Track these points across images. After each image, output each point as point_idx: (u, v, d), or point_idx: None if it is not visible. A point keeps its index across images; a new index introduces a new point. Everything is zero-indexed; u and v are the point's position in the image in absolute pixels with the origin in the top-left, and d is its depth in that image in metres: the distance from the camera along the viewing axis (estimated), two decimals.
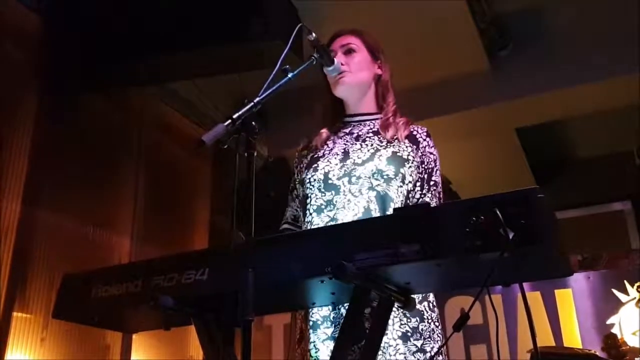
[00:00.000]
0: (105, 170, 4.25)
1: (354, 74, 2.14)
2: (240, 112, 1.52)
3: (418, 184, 2.04)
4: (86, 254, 3.91)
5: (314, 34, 1.90)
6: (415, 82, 4.95)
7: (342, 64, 2.11)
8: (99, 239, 4.10)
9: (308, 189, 2.05)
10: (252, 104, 1.56)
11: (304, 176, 2.09)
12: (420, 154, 2.07)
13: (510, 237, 1.23)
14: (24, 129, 3.66)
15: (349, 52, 2.17)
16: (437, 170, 2.10)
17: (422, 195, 2.04)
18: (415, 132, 2.12)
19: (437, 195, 2.07)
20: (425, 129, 2.15)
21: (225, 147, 1.49)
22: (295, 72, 1.75)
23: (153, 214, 4.59)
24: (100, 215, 4.16)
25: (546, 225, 1.26)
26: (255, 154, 1.51)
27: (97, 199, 4.11)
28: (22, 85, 3.75)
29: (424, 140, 2.11)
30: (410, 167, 2.03)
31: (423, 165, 2.06)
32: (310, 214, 2.01)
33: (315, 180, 2.04)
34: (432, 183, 2.06)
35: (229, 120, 1.50)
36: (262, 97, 1.62)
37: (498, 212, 1.24)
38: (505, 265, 1.26)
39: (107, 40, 3.91)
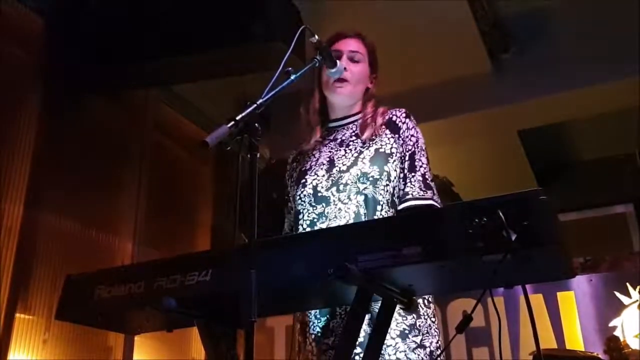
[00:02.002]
0: (107, 172, 4.25)
1: (353, 86, 2.12)
2: (243, 114, 1.52)
3: (402, 174, 2.01)
4: (88, 256, 3.91)
5: (316, 36, 1.90)
6: (418, 84, 4.95)
7: (344, 69, 2.09)
8: (101, 241, 4.10)
9: (299, 205, 2.05)
10: (255, 105, 1.57)
11: (294, 192, 2.09)
12: (401, 141, 2.04)
13: (513, 238, 1.23)
14: (26, 131, 3.66)
15: (354, 60, 2.15)
16: (419, 151, 2.03)
17: (404, 186, 1.99)
18: (394, 117, 2.09)
19: (420, 178, 1.98)
20: (403, 110, 2.11)
21: (228, 148, 1.49)
22: (298, 74, 1.75)
23: (155, 216, 4.59)
24: (103, 217, 4.16)
25: (549, 227, 1.26)
26: (257, 155, 1.51)
27: (99, 200, 4.11)
28: (25, 86, 3.75)
29: (403, 123, 2.07)
30: (394, 161, 2.00)
31: (405, 152, 2.03)
32: (304, 229, 2.01)
33: (305, 195, 2.04)
34: (415, 168, 2.00)
35: (232, 122, 1.50)
36: (264, 98, 1.62)
37: (501, 214, 1.24)
38: (507, 267, 1.26)
39: (110, 41, 3.92)
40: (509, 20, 4.96)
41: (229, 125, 1.49)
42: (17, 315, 3.41)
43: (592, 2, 4.69)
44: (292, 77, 1.73)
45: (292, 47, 1.81)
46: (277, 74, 1.69)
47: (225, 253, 1.62)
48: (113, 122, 4.40)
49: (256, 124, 1.52)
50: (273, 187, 2.28)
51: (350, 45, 2.17)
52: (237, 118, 1.51)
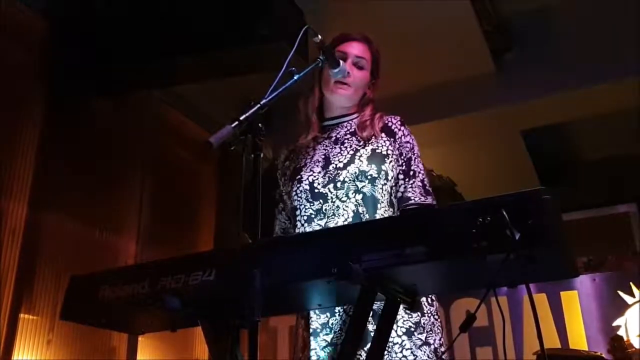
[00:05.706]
0: (111, 173, 4.25)
1: (353, 90, 2.15)
2: (246, 114, 1.53)
3: (401, 176, 2.05)
4: (92, 257, 3.91)
5: (319, 36, 1.90)
6: (420, 85, 4.95)
7: (348, 72, 2.09)
8: (105, 242, 4.10)
9: (296, 201, 2.06)
10: (259, 105, 1.57)
11: (289, 188, 2.10)
12: (397, 145, 2.08)
13: (517, 238, 1.23)
14: (29, 131, 3.66)
15: (359, 66, 2.16)
16: (415, 158, 2.09)
17: (405, 190, 2.04)
18: (389, 123, 2.13)
19: (420, 184, 2.05)
20: (398, 118, 2.16)
21: (232, 148, 1.49)
22: (301, 74, 1.75)
23: (159, 217, 4.59)
24: (106, 217, 4.16)
25: (552, 226, 1.26)
26: (261, 155, 1.51)
27: (102, 201, 4.12)
28: (28, 87, 3.76)
29: (399, 130, 2.12)
30: (390, 162, 2.04)
31: (402, 157, 2.07)
32: (302, 224, 2.02)
33: (301, 191, 2.05)
34: (411, 174, 2.06)
35: (236, 122, 1.50)
36: (268, 98, 1.62)
37: (504, 213, 1.24)
38: (511, 266, 1.26)
39: (113, 43, 3.92)
40: (512, 20, 4.96)
41: (232, 125, 1.49)
42: (22, 315, 3.42)
43: (594, 2, 4.69)
44: (296, 77, 1.73)
45: (295, 47, 1.82)
46: (280, 74, 1.69)
47: (229, 253, 1.62)
48: (116, 122, 4.40)
49: (260, 124, 1.53)
50: (275, 188, 2.28)
51: (356, 49, 2.18)
52: (241, 118, 1.51)
